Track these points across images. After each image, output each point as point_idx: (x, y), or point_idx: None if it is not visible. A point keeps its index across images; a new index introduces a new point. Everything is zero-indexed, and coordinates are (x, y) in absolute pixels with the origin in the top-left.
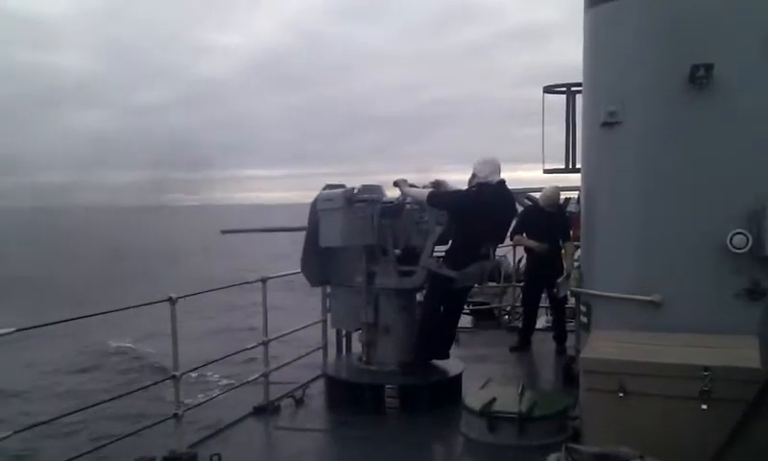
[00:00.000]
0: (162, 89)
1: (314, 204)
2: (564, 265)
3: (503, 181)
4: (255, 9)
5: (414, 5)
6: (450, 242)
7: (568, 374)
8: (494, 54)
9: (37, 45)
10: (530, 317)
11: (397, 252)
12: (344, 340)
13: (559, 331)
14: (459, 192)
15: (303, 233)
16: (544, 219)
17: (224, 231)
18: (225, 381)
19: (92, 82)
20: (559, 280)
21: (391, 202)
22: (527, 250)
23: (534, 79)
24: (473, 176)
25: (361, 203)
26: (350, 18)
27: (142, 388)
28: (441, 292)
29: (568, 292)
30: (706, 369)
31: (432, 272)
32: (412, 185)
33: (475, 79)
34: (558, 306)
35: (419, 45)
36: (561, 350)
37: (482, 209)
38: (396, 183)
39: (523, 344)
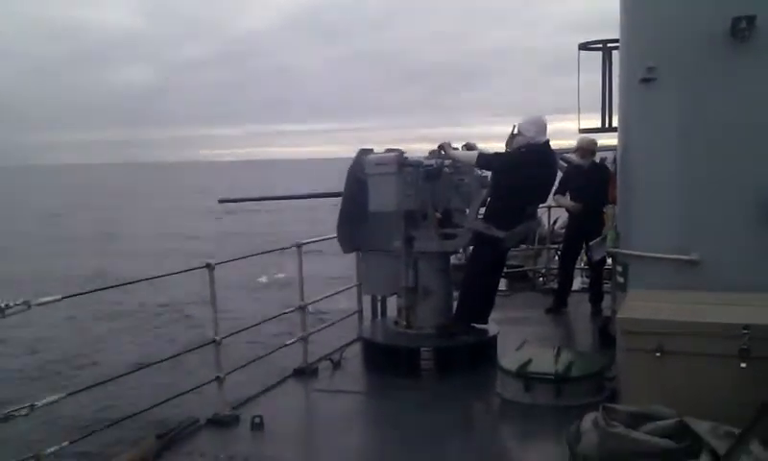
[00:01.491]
0: (203, 44)
1: (353, 169)
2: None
3: (548, 142)
4: None
5: None
6: (492, 202)
7: (605, 334)
8: (538, 1)
9: (79, 2)
10: (566, 278)
11: (438, 215)
12: (378, 304)
13: (595, 293)
14: (507, 153)
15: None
16: (583, 178)
17: (221, 201)
18: (265, 343)
19: (134, 37)
20: (592, 243)
21: (430, 165)
22: (568, 210)
23: (580, 25)
24: (516, 134)
25: (409, 167)
26: None
27: (183, 353)
28: (489, 253)
29: (605, 254)
30: (745, 327)
31: (479, 233)
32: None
33: (519, 27)
34: (595, 268)
35: None
36: (596, 311)
37: (530, 170)
38: (441, 147)
39: (559, 305)
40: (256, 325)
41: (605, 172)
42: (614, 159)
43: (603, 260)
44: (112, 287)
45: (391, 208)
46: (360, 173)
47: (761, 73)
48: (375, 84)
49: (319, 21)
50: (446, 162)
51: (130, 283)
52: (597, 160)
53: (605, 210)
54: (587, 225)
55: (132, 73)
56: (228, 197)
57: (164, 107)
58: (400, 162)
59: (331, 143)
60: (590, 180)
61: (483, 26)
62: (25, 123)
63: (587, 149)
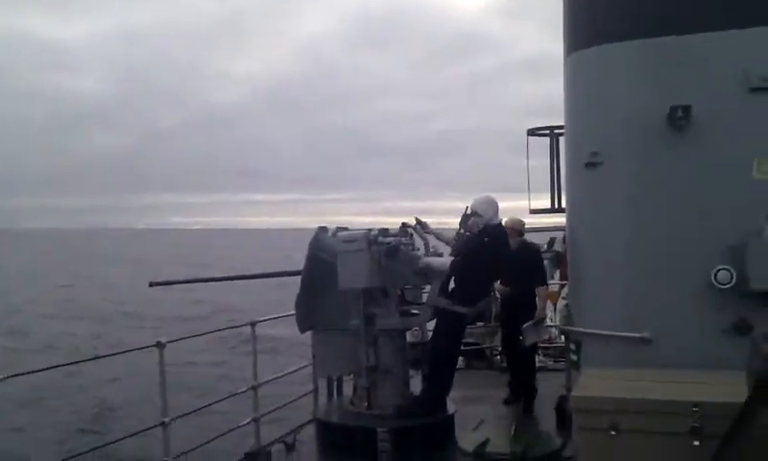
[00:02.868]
0: (176, 114)
1: (314, 247)
2: (537, 310)
3: (501, 222)
4: (269, 37)
5: (425, 35)
6: (457, 279)
7: (561, 413)
8: (503, 85)
9: (59, 70)
10: (514, 367)
11: (398, 292)
12: (335, 383)
13: (528, 388)
14: (473, 238)
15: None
16: (514, 260)
17: (152, 284)
18: (215, 425)
19: (110, 106)
20: (525, 326)
21: (389, 243)
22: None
23: (541, 110)
24: (473, 213)
25: (376, 245)
26: (362, 48)
27: (130, 435)
28: (452, 330)
29: (537, 339)
30: (695, 405)
31: (442, 309)
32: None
33: (483, 109)
34: (525, 357)
35: (429, 75)
36: (528, 409)
37: (493, 250)
38: (418, 221)
39: (517, 396)
40: (206, 406)
41: (534, 253)
42: (564, 239)
43: (534, 347)
44: (61, 365)
45: (361, 285)
46: (317, 251)
47: (698, 158)
48: (343, 157)
49: (289, 96)
50: (403, 240)
51: (78, 362)
52: (551, 241)
53: (537, 293)
54: (517, 304)
55: (104, 140)
56: (158, 280)
57: (135, 174)
58: (369, 240)
59: (299, 214)
60: (519, 260)
61: (450, 106)
62: None
63: (513, 229)
